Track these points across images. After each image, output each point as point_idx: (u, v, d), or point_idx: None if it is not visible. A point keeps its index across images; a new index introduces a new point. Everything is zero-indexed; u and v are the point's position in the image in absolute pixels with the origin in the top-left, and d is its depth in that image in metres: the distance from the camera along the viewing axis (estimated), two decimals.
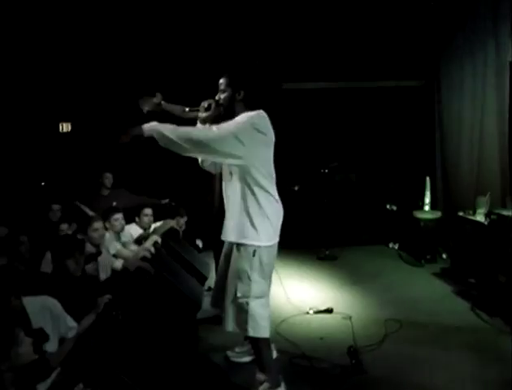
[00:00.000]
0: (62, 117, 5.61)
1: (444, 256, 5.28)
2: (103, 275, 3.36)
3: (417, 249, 5.29)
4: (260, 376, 2.58)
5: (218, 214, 3.20)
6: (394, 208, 5.80)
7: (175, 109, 3.53)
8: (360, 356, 3.03)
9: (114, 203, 4.56)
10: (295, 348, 3.19)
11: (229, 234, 2.56)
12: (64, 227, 3.66)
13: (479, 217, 4.08)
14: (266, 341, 2.57)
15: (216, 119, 2.76)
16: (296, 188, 5.59)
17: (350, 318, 3.69)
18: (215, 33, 5.27)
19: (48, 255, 3.07)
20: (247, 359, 3.02)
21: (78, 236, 3.56)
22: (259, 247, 2.46)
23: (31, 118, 5.32)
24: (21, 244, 3.16)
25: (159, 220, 4.54)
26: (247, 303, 2.45)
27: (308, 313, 3.82)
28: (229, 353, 3.10)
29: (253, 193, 2.45)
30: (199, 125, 2.59)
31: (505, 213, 3.83)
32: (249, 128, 2.37)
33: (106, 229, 3.70)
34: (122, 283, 3.17)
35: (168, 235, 4.25)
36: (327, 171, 5.61)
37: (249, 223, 2.46)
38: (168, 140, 2.30)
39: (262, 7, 5.15)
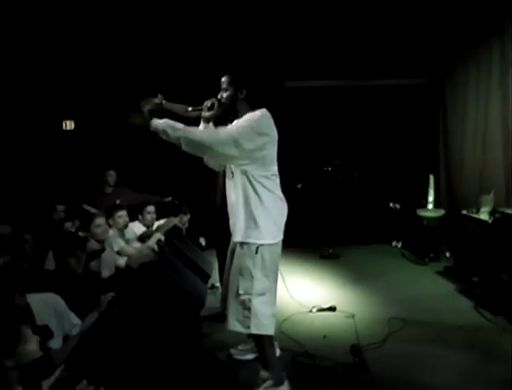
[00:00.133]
0: (65, 115, 5.62)
1: (447, 254, 5.28)
2: (107, 273, 3.37)
3: (420, 247, 5.29)
4: (263, 374, 2.59)
5: (220, 212, 3.21)
6: (397, 206, 5.79)
7: (177, 108, 3.55)
8: (363, 354, 3.03)
9: (118, 201, 4.57)
10: (298, 346, 3.19)
11: (234, 234, 2.57)
12: (68, 225, 3.66)
13: (483, 215, 4.06)
14: (269, 339, 2.57)
15: (219, 118, 2.77)
16: (299, 186, 5.59)
17: (353, 316, 3.69)
18: (218, 32, 5.26)
19: (51, 253, 3.08)
20: (250, 357, 3.02)
21: (81, 234, 3.59)
22: (262, 245, 2.46)
23: (34, 116, 5.33)
24: (25, 243, 3.17)
25: (162, 218, 4.55)
26: (249, 300, 2.45)
27: (311, 311, 3.83)
28: (232, 350, 3.10)
29: (256, 192, 2.45)
30: (202, 125, 2.61)
31: (509, 211, 3.81)
32: (249, 132, 2.38)
33: (110, 226, 3.70)
34: (125, 281, 3.17)
35: (171, 233, 4.26)
36: (330, 169, 5.60)
37: (251, 222, 2.46)
38: (171, 138, 2.33)
39: (265, 5, 5.14)
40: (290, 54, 5.39)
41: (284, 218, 2.57)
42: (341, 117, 5.87)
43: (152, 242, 3.87)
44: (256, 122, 2.42)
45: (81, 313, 2.54)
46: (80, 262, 2.69)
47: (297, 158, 5.54)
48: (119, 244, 3.75)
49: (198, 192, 4.62)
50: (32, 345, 1.80)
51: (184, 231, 4.66)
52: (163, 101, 3.36)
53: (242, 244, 2.50)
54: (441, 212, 5.32)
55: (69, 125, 5.66)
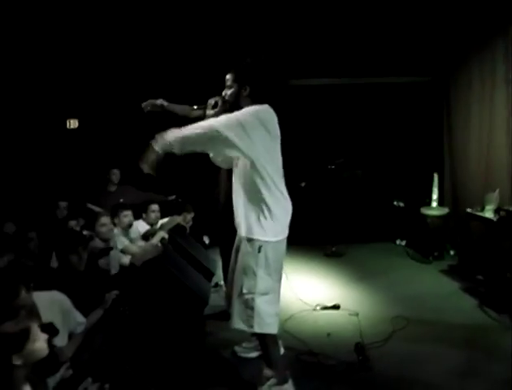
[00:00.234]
0: (69, 113, 5.63)
1: (451, 253, 5.26)
2: (112, 271, 3.39)
3: (424, 245, 5.27)
4: (267, 372, 2.59)
5: (224, 210, 3.20)
6: (401, 204, 5.77)
7: (178, 109, 3.57)
8: (367, 352, 3.02)
9: (122, 199, 4.58)
10: (302, 344, 3.19)
11: (239, 228, 2.57)
12: (73, 223, 3.68)
13: (488, 213, 4.04)
14: (273, 337, 2.57)
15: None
16: (302, 185, 5.58)
17: (357, 314, 3.68)
18: (222, 30, 5.25)
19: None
20: (254, 354, 3.02)
21: (86, 232, 3.60)
22: (266, 242, 2.46)
23: (38, 115, 5.35)
24: (30, 241, 3.19)
25: (166, 216, 4.55)
26: (252, 299, 2.45)
27: (315, 309, 3.82)
28: (237, 348, 3.11)
29: (260, 190, 2.44)
30: None
31: None
32: (254, 120, 2.36)
33: (115, 225, 3.71)
34: (129, 279, 3.18)
35: (175, 231, 4.26)
36: (333, 167, 5.59)
37: (255, 219, 2.46)
38: (179, 143, 2.33)
39: (268, 3, 5.13)
40: (293, 52, 5.38)
41: (289, 217, 2.57)
42: (345, 115, 5.85)
43: (156, 240, 3.87)
44: (261, 112, 2.41)
45: (85, 310, 2.56)
46: (81, 260, 2.69)
47: (300, 157, 5.53)
48: (123, 242, 3.77)
49: (202, 190, 4.62)
50: (40, 343, 1.81)
51: (187, 229, 4.67)
52: (164, 103, 3.39)
53: (246, 240, 2.49)
54: (445, 210, 5.30)
55: (73, 124, 5.67)
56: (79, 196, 4.96)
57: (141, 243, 4.00)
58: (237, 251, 2.66)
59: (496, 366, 2.87)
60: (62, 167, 5.44)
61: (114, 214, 3.84)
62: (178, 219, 4.52)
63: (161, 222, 4.43)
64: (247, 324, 2.47)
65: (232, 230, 2.73)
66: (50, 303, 2.26)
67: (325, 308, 3.83)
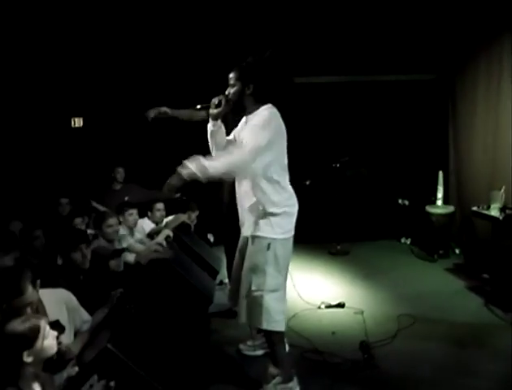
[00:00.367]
0: (74, 112, 5.64)
1: (457, 251, 5.24)
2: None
3: (429, 244, 5.25)
4: (273, 370, 2.59)
5: (228, 208, 3.21)
6: (406, 203, 5.75)
7: (183, 114, 3.58)
8: (372, 351, 3.03)
9: (126, 198, 4.59)
10: (307, 342, 3.19)
11: (245, 228, 2.58)
12: (78, 221, 3.69)
13: (494, 212, 4.02)
14: (280, 335, 2.57)
15: (227, 115, 2.77)
16: (307, 183, 5.57)
17: (362, 312, 3.68)
18: (225, 28, 5.24)
19: None
20: (259, 353, 3.03)
21: (90, 231, 3.61)
22: (274, 240, 2.46)
23: (43, 113, 5.36)
24: (36, 239, 3.19)
25: (171, 215, 4.56)
26: (262, 296, 2.46)
27: (320, 307, 3.82)
28: (242, 346, 3.11)
29: (269, 188, 2.45)
30: (211, 122, 2.61)
31: None
32: (273, 135, 2.42)
33: (120, 223, 3.72)
34: (134, 277, 3.19)
35: (180, 229, 4.27)
36: (338, 165, 5.57)
37: (264, 217, 2.47)
38: (208, 174, 2.34)
39: (273, 0, 5.12)
40: (298, 50, 5.36)
41: (295, 215, 2.57)
42: (349, 113, 5.83)
43: (161, 238, 3.88)
44: (272, 122, 2.44)
45: (91, 308, 2.57)
46: (85, 258, 2.70)
47: (305, 155, 5.51)
48: (128, 240, 3.78)
49: (206, 188, 4.62)
50: (49, 340, 1.82)
51: (192, 227, 4.67)
52: (168, 110, 3.42)
53: (253, 238, 2.50)
54: (450, 208, 5.28)
55: (78, 122, 5.68)
56: (84, 194, 4.97)
57: (146, 241, 4.01)
58: (241, 250, 2.66)
59: (502, 365, 2.86)
60: (67, 166, 5.45)
61: (119, 212, 3.85)
62: (183, 217, 4.53)
63: (166, 220, 4.44)
64: (256, 321, 2.48)
65: (237, 228, 2.74)
66: (57, 301, 2.27)
67: (330, 306, 3.83)
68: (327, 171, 5.67)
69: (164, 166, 5.57)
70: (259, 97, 2.52)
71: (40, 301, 2.15)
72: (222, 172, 2.36)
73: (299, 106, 5.47)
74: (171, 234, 3.98)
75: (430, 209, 5.28)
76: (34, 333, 1.77)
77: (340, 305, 3.83)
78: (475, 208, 4.31)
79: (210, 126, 2.64)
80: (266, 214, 2.46)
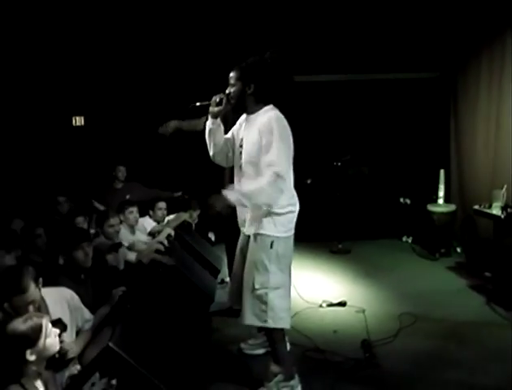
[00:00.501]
0: (75, 111, 5.64)
1: (458, 250, 5.23)
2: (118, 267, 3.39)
3: (431, 242, 5.24)
4: (274, 368, 2.59)
5: (229, 207, 3.19)
6: (408, 201, 5.74)
7: (185, 125, 3.60)
8: (374, 349, 3.03)
9: (128, 196, 4.59)
10: (308, 341, 3.19)
11: (246, 227, 2.57)
12: (80, 219, 3.69)
13: (496, 210, 4.01)
14: (281, 333, 2.57)
15: (227, 113, 2.77)
16: (308, 182, 5.56)
17: (364, 311, 3.67)
18: (225, 26, 5.24)
19: None
20: (261, 351, 3.03)
21: (92, 230, 3.61)
22: (277, 238, 2.46)
23: (44, 112, 5.36)
24: (37, 237, 3.19)
25: (172, 213, 4.56)
26: (266, 294, 2.45)
27: (321, 306, 3.82)
28: (243, 345, 3.11)
29: None
30: (210, 120, 2.59)
31: None
32: (291, 139, 2.45)
33: (121, 222, 3.72)
34: (136, 276, 3.19)
35: (181, 228, 4.27)
36: (339, 164, 5.57)
37: (267, 216, 2.46)
38: (252, 200, 2.39)
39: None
40: (300, 48, 5.35)
41: (297, 213, 2.57)
42: (351, 111, 5.82)
43: (162, 237, 3.88)
44: (285, 126, 2.45)
45: (92, 307, 2.57)
46: (88, 256, 2.70)
47: (306, 154, 5.49)
48: (129, 239, 3.78)
49: (208, 187, 4.62)
50: (51, 339, 1.82)
51: (193, 226, 4.68)
52: (177, 123, 3.43)
53: (256, 236, 2.49)
54: (452, 207, 5.27)
55: (79, 121, 5.68)
56: (86, 193, 4.98)
57: (148, 240, 4.01)
58: (242, 249, 2.66)
59: (504, 364, 2.85)
60: (69, 165, 5.45)
61: (120, 211, 3.85)
62: (184, 216, 4.54)
63: (167, 219, 4.44)
64: (260, 319, 2.47)
65: (237, 227, 2.74)
66: (59, 299, 2.27)
67: (331, 305, 3.83)
68: (328, 169, 5.66)
69: (165, 164, 5.63)
70: (260, 97, 2.52)
71: (42, 300, 2.15)
72: (264, 194, 2.37)
73: (301, 105, 5.46)
74: (173, 233, 3.99)
75: (431, 207, 5.27)
76: (36, 332, 1.78)
77: (342, 304, 3.82)
78: (476, 206, 4.30)
79: (209, 124, 2.63)
80: (270, 213, 2.46)
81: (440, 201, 5.30)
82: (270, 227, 2.46)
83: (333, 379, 2.74)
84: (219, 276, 4.24)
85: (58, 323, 1.96)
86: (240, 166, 2.57)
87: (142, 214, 4.19)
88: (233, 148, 2.68)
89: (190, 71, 5.40)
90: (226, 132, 2.73)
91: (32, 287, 2.04)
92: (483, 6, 4.85)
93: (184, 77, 5.39)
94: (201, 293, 3.51)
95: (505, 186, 4.11)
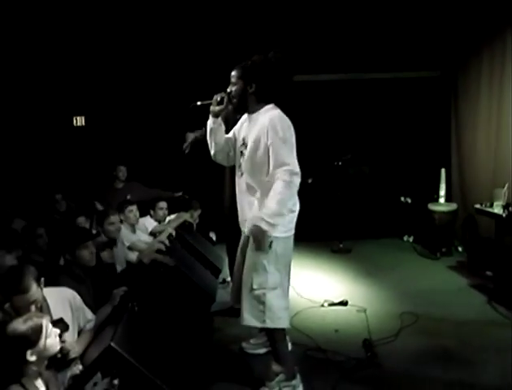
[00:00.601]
0: (75, 111, 5.65)
1: (459, 249, 5.23)
2: (119, 268, 3.40)
3: (432, 241, 5.24)
4: (276, 368, 2.59)
5: (230, 207, 3.20)
6: (409, 201, 5.73)
7: (192, 136, 3.60)
8: (375, 349, 3.02)
9: (129, 196, 4.60)
10: (310, 340, 3.18)
11: (245, 226, 2.57)
12: (82, 219, 3.69)
13: (497, 209, 4.00)
14: (281, 333, 2.57)
15: (229, 113, 2.76)
16: (309, 181, 5.55)
17: (365, 310, 3.67)
18: (226, 25, 5.23)
19: None
20: (262, 351, 3.02)
21: (94, 231, 3.61)
22: (277, 238, 2.46)
23: (45, 112, 5.37)
24: (39, 237, 3.20)
25: (173, 213, 4.57)
26: (264, 294, 2.45)
27: (323, 305, 3.82)
28: (244, 344, 3.11)
29: (270, 188, 2.43)
30: (211, 119, 2.59)
31: None
32: (292, 138, 2.44)
33: (121, 222, 3.73)
34: (137, 276, 3.19)
35: (182, 228, 4.28)
36: (340, 163, 5.56)
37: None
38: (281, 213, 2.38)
39: None
40: (300, 48, 5.35)
41: (296, 213, 2.57)
42: (352, 111, 5.82)
43: (163, 237, 3.89)
44: (289, 124, 2.45)
45: (94, 306, 2.57)
46: (93, 255, 2.71)
47: (307, 153, 5.48)
48: (130, 239, 3.78)
49: (209, 187, 4.62)
50: (52, 339, 1.82)
51: (194, 226, 4.68)
52: (195, 133, 3.44)
53: None
54: (453, 206, 5.27)
55: (79, 121, 5.69)
56: (87, 192, 4.98)
57: (149, 239, 4.01)
58: (242, 249, 2.65)
59: (505, 363, 2.84)
60: (70, 164, 5.46)
61: (119, 210, 3.85)
62: (185, 216, 4.54)
63: (168, 218, 4.45)
64: (259, 320, 2.48)
65: (238, 226, 2.73)
66: (60, 299, 2.27)
67: (333, 304, 3.82)
68: (329, 169, 5.66)
69: (166, 164, 5.63)
70: (262, 97, 2.51)
71: (44, 300, 2.15)
72: (287, 198, 2.38)
73: (301, 104, 5.46)
74: (174, 232, 3.99)
75: (432, 207, 5.26)
76: (37, 332, 1.78)
77: (343, 303, 3.82)
78: (477, 205, 4.29)
79: (210, 123, 2.62)
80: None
81: (441, 200, 5.29)
82: (269, 228, 2.46)
83: (335, 379, 2.73)
84: (221, 276, 4.24)
85: (59, 323, 1.96)
86: (241, 165, 2.58)
87: (143, 213, 4.20)
88: (234, 147, 2.67)
89: (191, 71, 5.40)
90: (227, 131, 2.72)
91: (33, 287, 2.04)
92: (483, 5, 4.85)
93: (185, 77, 5.39)
94: (203, 293, 3.51)
95: (507, 184, 4.10)
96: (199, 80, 5.08)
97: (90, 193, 4.96)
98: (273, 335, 2.56)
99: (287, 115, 2.52)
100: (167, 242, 3.79)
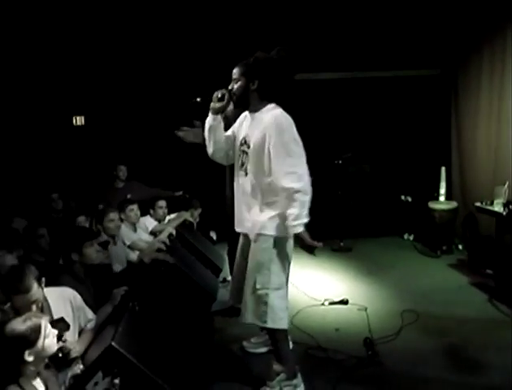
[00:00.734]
0: (75, 110, 5.64)
1: (460, 247, 5.22)
2: (119, 267, 3.40)
3: (432, 240, 5.24)
4: (277, 367, 2.58)
5: (231, 205, 3.19)
6: (409, 199, 5.73)
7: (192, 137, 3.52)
8: (376, 347, 3.02)
9: (129, 195, 4.59)
10: (310, 339, 3.18)
11: (248, 227, 2.55)
12: (82, 219, 3.69)
13: (497, 207, 4.00)
14: (283, 332, 2.56)
15: (228, 110, 2.74)
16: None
17: (366, 309, 3.67)
18: (225, 25, 5.23)
19: None
20: (263, 350, 3.02)
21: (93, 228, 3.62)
22: (280, 238, 2.45)
23: (45, 112, 5.36)
24: (40, 237, 3.19)
25: (173, 212, 4.57)
26: (267, 294, 2.44)
27: (323, 304, 3.82)
28: (245, 343, 3.11)
29: (274, 187, 2.42)
30: (210, 116, 2.55)
31: None
32: (296, 140, 2.43)
33: (122, 221, 3.73)
34: (137, 275, 3.19)
35: (183, 227, 4.27)
36: (340, 162, 5.56)
37: (270, 216, 2.45)
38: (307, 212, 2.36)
39: None
40: (301, 46, 5.34)
41: None
42: (352, 109, 5.81)
43: (163, 236, 3.89)
44: (293, 132, 2.44)
45: (95, 306, 2.57)
46: (98, 253, 2.72)
47: (307, 151, 5.49)
48: (130, 238, 3.78)
49: (209, 186, 4.62)
50: (49, 339, 1.82)
51: (195, 225, 4.68)
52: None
53: (259, 236, 2.47)
54: (454, 204, 5.26)
55: (79, 121, 5.69)
56: (87, 192, 4.98)
57: (149, 239, 4.01)
58: (243, 249, 2.64)
59: (506, 361, 2.84)
60: (70, 164, 5.46)
61: (120, 209, 3.85)
62: (185, 215, 4.54)
63: (169, 218, 4.44)
64: (260, 319, 2.47)
65: None
66: (61, 299, 2.27)
67: (333, 303, 3.82)
68: (329, 167, 5.66)
69: (167, 163, 5.63)
70: (264, 94, 2.48)
71: (45, 299, 2.15)
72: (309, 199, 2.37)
73: (301, 103, 5.45)
74: (174, 232, 3.99)
75: (433, 205, 5.26)
76: (36, 332, 1.77)
77: (344, 302, 3.82)
78: (478, 203, 4.29)
79: (209, 120, 2.56)
80: (274, 214, 2.44)
81: (442, 198, 5.29)
82: (273, 227, 2.45)
83: (335, 377, 2.73)
84: (221, 275, 4.24)
85: (60, 323, 1.96)
86: (243, 165, 2.54)
87: (143, 213, 4.19)
88: (233, 146, 2.64)
89: (191, 71, 5.39)
90: (226, 129, 2.67)
91: (34, 286, 2.04)
92: (483, 2, 4.84)
93: (186, 76, 5.38)
94: (203, 292, 3.51)
95: (507, 183, 4.10)
96: (199, 80, 5.07)
97: (90, 193, 4.95)
98: (275, 335, 2.55)
99: (288, 113, 2.50)
100: (167, 241, 3.78)
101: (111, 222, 3.43)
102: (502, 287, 3.83)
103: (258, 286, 2.45)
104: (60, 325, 1.94)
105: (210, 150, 2.65)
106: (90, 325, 2.43)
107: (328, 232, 5.56)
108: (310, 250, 2.49)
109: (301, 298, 3.91)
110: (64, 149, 5.47)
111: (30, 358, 1.75)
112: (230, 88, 2.52)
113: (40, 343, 1.77)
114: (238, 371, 2.87)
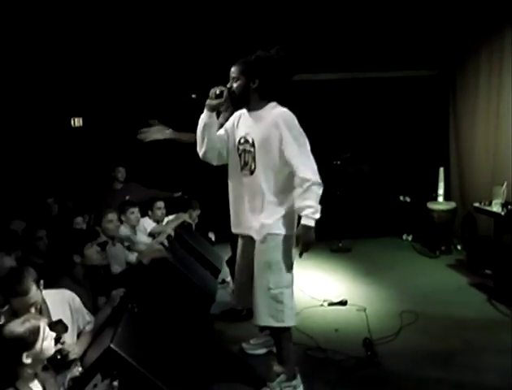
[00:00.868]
0: (73, 112, 5.64)
1: (459, 247, 5.23)
2: (118, 268, 3.39)
3: (431, 240, 5.24)
4: (277, 368, 2.58)
5: None
6: (408, 199, 5.74)
7: (183, 136, 3.49)
8: (375, 348, 3.02)
9: (127, 197, 4.58)
10: (310, 340, 3.19)
11: (252, 227, 2.52)
12: (79, 220, 3.68)
13: (496, 207, 4.01)
14: (288, 333, 2.55)
15: (228, 108, 2.73)
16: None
17: (365, 309, 3.67)
18: (225, 25, 5.23)
19: None
20: (262, 351, 3.02)
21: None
22: (288, 236, 2.46)
23: (43, 113, 5.35)
24: (39, 239, 3.18)
25: (172, 213, 4.55)
26: (281, 293, 2.43)
27: (322, 305, 3.82)
28: (244, 345, 3.10)
29: (289, 188, 2.43)
30: (206, 113, 2.49)
31: None
32: (304, 135, 2.46)
33: (122, 222, 3.72)
34: (136, 277, 3.18)
35: (181, 228, 4.26)
36: (339, 162, 5.56)
37: (281, 216, 2.45)
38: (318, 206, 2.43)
39: None
40: (299, 47, 5.34)
41: None
42: (350, 110, 5.82)
43: (162, 237, 3.87)
44: (297, 124, 2.45)
45: (93, 307, 2.57)
46: (99, 254, 2.71)
47: None
48: (130, 240, 3.77)
49: (208, 187, 4.61)
50: (47, 342, 1.81)
51: (193, 226, 4.67)
52: (172, 136, 3.34)
53: (267, 236, 2.45)
54: (452, 205, 5.27)
55: (77, 122, 5.68)
56: (85, 194, 4.97)
57: (148, 240, 4.01)
58: (245, 252, 2.63)
59: (506, 361, 2.84)
60: (68, 166, 5.45)
61: (121, 211, 3.84)
62: (184, 216, 4.53)
63: (167, 219, 4.43)
64: (276, 319, 2.44)
65: None
66: (60, 301, 2.27)
67: (332, 303, 3.82)
68: (327, 167, 5.65)
69: (165, 165, 5.62)
70: (264, 93, 2.46)
71: (43, 302, 2.15)
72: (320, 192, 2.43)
73: (300, 103, 5.44)
74: (173, 233, 3.98)
75: (431, 205, 5.27)
76: (34, 334, 1.77)
77: (343, 303, 3.82)
78: (476, 204, 4.30)
79: (204, 117, 2.49)
80: (285, 213, 2.45)
81: (440, 198, 5.30)
82: (281, 226, 2.44)
83: (335, 378, 2.73)
84: (220, 276, 4.23)
85: (58, 324, 1.95)
86: (246, 164, 2.50)
87: (141, 214, 4.18)
88: (227, 146, 2.59)
89: (189, 72, 5.38)
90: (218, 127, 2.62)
91: (33, 289, 2.03)
92: (480, 2, 4.85)
93: (184, 78, 5.37)
94: (203, 293, 3.50)
95: (506, 183, 4.10)
96: (198, 82, 5.05)
97: (89, 194, 4.94)
98: (280, 336, 2.53)
99: None
100: (166, 243, 3.77)
101: (110, 223, 3.42)
102: (501, 287, 3.83)
103: (271, 286, 2.42)
104: (58, 327, 1.93)
105: (202, 149, 2.56)
106: (89, 327, 2.42)
107: (327, 233, 5.56)
108: (300, 251, 2.48)
109: (301, 299, 3.89)
110: (62, 151, 5.46)
111: (28, 360, 1.74)
112: (229, 86, 2.48)
113: (38, 345, 1.76)
114: (238, 373, 2.87)
